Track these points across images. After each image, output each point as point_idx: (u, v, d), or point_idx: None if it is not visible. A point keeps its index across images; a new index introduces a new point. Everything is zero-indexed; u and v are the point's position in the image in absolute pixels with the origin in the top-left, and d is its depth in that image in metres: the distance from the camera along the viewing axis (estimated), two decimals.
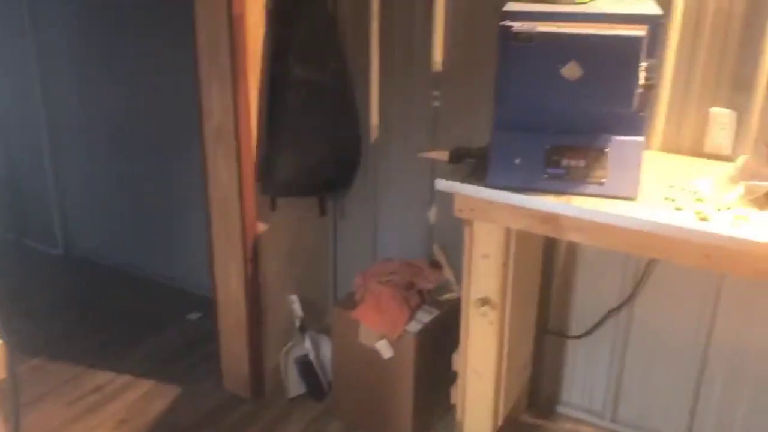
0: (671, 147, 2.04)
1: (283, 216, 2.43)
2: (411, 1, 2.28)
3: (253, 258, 2.34)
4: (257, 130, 2.24)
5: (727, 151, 1.95)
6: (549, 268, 2.31)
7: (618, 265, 2.19)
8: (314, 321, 2.64)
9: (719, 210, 1.62)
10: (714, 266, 1.62)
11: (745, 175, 1.73)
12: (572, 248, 2.27)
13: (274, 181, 2.29)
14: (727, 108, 1.93)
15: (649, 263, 2.13)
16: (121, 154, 3.30)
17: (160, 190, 3.22)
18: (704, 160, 1.97)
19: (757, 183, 1.68)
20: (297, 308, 2.53)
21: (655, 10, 1.67)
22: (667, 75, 1.97)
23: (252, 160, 2.24)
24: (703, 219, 1.57)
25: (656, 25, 1.61)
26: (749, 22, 1.84)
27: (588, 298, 2.30)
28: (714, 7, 1.87)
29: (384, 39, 2.37)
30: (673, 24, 1.92)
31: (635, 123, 1.69)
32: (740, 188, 1.68)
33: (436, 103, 2.35)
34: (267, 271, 2.44)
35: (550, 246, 2.27)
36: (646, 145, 2.02)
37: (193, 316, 3.05)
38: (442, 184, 1.84)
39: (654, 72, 1.61)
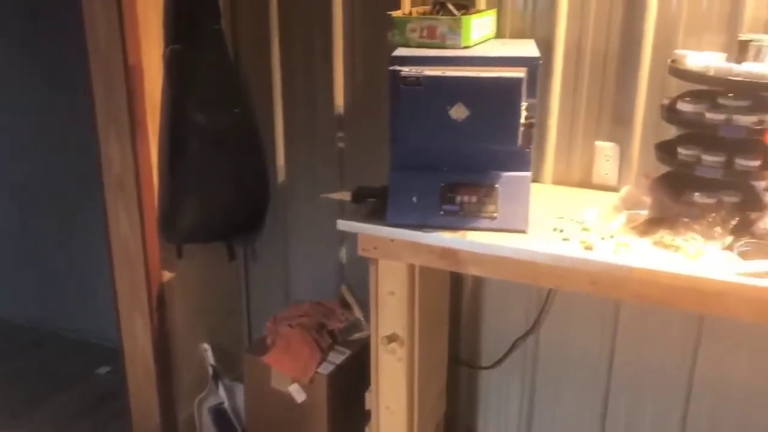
0: (562, 179, 2.13)
1: (191, 263, 2.40)
2: (311, 45, 2.33)
3: (159, 308, 2.29)
4: (158, 178, 2.22)
5: (613, 181, 2.06)
6: (457, 300, 2.36)
7: (522, 294, 2.27)
8: (229, 369, 2.59)
9: (603, 238, 1.70)
10: (600, 292, 1.69)
11: (627, 204, 1.84)
12: (478, 280, 2.33)
13: (178, 228, 2.27)
14: (611, 141, 2.05)
15: (550, 291, 2.21)
16: (22, 208, 3.18)
17: (65, 242, 3.12)
18: (593, 191, 2.07)
19: (637, 212, 1.78)
20: (209, 357, 2.48)
21: (534, 52, 1.77)
22: (554, 112, 2.08)
23: (154, 208, 2.21)
24: (588, 248, 1.65)
25: (534, 66, 1.70)
26: (623, 60, 1.96)
27: (496, 328, 2.36)
28: (591, 47, 1.99)
29: (286, 82, 2.41)
30: (556, 64, 2.03)
31: (522, 159, 1.77)
32: (623, 217, 1.77)
33: (341, 144, 2.39)
34: (176, 320, 2.39)
35: (456, 279, 2.32)
36: (539, 179, 2.14)
37: (102, 370, 2.95)
38: (343, 225, 1.87)
39: (535, 111, 1.70)
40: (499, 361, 2.36)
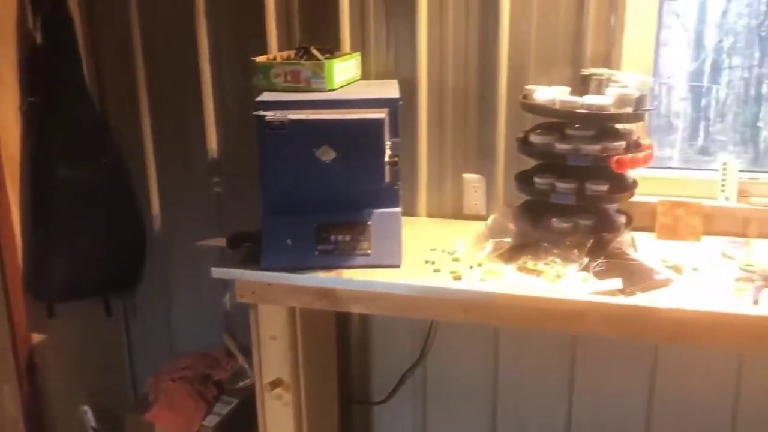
0: (435, 212, 2.20)
1: (65, 322, 2.28)
2: (181, 92, 2.31)
3: (30, 372, 2.15)
4: (22, 236, 2.11)
5: (482, 211, 2.14)
6: (344, 339, 2.37)
7: (407, 327, 2.30)
8: (112, 430, 2.46)
9: (472, 267, 1.77)
10: (473, 319, 1.75)
11: (493, 232, 1.92)
12: (364, 317, 2.35)
13: (47, 286, 2.16)
14: (477, 173, 2.14)
15: (432, 322, 2.26)
16: None
17: None
18: (465, 222, 2.14)
19: (503, 239, 1.87)
20: (90, 419, 2.35)
21: (395, 93, 1.83)
22: (423, 148, 2.15)
23: (17, 267, 2.09)
24: (457, 277, 1.71)
25: (395, 107, 1.77)
26: (482, 96, 2.07)
27: (385, 362, 2.38)
28: (452, 84, 2.09)
29: (157, 129, 2.36)
30: (420, 102, 2.11)
31: (391, 196, 1.82)
32: (489, 245, 1.85)
33: (218, 189, 2.37)
34: (50, 383, 2.25)
35: (342, 317, 2.33)
36: (414, 213, 2.20)
37: None
38: (218, 272, 1.84)
39: (399, 149, 1.76)
40: (389, 396, 2.38)
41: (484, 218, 2.12)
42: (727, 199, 1.98)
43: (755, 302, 1.55)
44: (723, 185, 1.98)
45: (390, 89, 1.90)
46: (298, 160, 1.72)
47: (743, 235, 1.97)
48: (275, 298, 1.84)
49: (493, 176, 2.12)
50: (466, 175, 2.15)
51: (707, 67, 3.70)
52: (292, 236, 1.79)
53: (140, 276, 2.47)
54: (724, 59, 3.62)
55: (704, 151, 3.70)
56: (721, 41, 3.58)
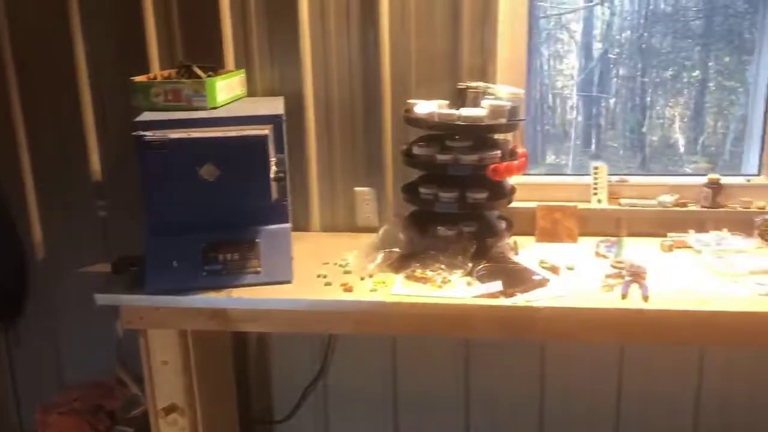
0: (329, 226, 2.22)
1: None
2: (59, 114, 2.22)
3: None
4: None
5: (375, 223, 2.18)
6: (242, 358, 2.34)
7: (306, 342, 2.30)
8: None
9: (363, 278, 1.80)
10: (366, 330, 1.78)
11: (384, 243, 1.96)
12: (262, 335, 2.34)
13: None
14: (368, 186, 2.18)
15: (330, 336, 2.27)
16: None
17: None
18: (358, 234, 2.16)
19: (393, 249, 1.91)
20: None
21: (279, 110, 1.84)
22: (313, 163, 2.17)
23: None
24: (348, 290, 1.74)
25: (279, 123, 1.78)
26: (368, 111, 2.11)
27: (286, 380, 2.37)
28: (338, 100, 2.12)
29: (35, 152, 2.26)
30: (308, 117, 2.13)
31: (280, 212, 1.82)
32: (380, 256, 1.89)
33: (103, 213, 2.29)
34: None
35: (239, 337, 2.31)
36: (307, 228, 2.21)
37: None
38: (102, 298, 1.79)
39: (284, 165, 1.77)
40: (291, 413, 2.37)
41: (376, 230, 2.15)
42: (599, 201, 2.11)
43: (624, 296, 1.65)
44: (595, 189, 2.11)
45: (275, 106, 1.91)
46: (180, 180, 1.69)
47: (616, 234, 2.10)
48: (164, 322, 1.80)
49: (383, 188, 2.16)
50: (357, 189, 2.19)
51: (596, 78, 3.93)
52: (178, 257, 1.76)
53: (22, 306, 2.34)
54: (611, 70, 3.86)
55: (597, 157, 3.92)
56: (606, 53, 3.82)
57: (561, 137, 3.96)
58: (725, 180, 2.07)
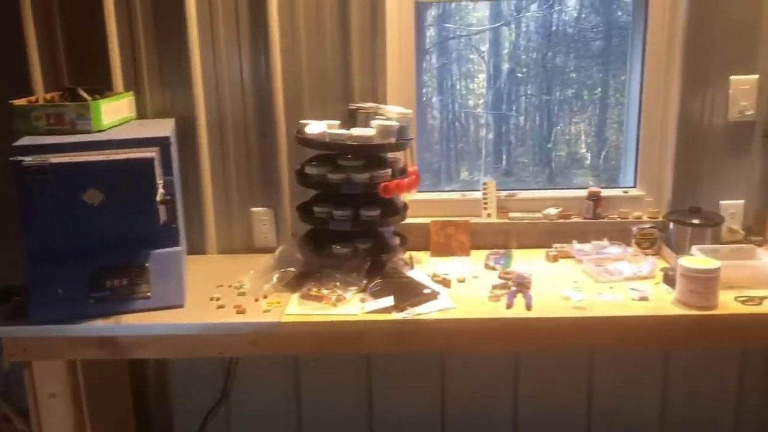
0: (227, 248, 2.21)
1: None
2: None
3: None
4: None
5: (273, 243, 2.18)
6: (140, 386, 2.28)
7: (206, 366, 2.27)
8: None
9: (257, 300, 1.80)
10: (262, 351, 1.76)
11: (281, 263, 1.96)
12: (159, 361, 2.28)
13: None
14: (265, 207, 2.18)
15: (231, 359, 2.24)
16: None
17: None
18: (256, 255, 2.16)
19: (289, 269, 1.92)
20: None
21: (167, 132, 1.83)
22: (208, 184, 2.15)
23: None
24: (241, 311, 1.73)
25: (167, 145, 1.76)
26: (263, 131, 2.12)
27: (187, 405, 2.32)
28: (232, 121, 2.12)
29: None
30: (201, 139, 2.11)
31: (171, 235, 1.80)
32: (275, 276, 1.89)
33: None
34: None
35: (135, 363, 2.24)
36: (204, 250, 2.19)
37: None
38: None
39: (172, 187, 1.75)
40: None
41: (274, 250, 2.16)
42: (489, 215, 2.19)
43: (508, 306, 1.73)
44: (485, 204, 2.19)
45: (163, 128, 1.89)
46: (63, 206, 1.65)
47: (506, 246, 2.19)
48: (50, 352, 1.74)
49: (280, 208, 2.17)
50: (253, 209, 2.18)
51: (505, 96, 4.09)
52: (63, 285, 1.70)
53: None
54: (520, 88, 4.02)
55: (508, 172, 4.06)
56: (514, 72, 3.98)
57: (474, 154, 4.07)
58: (605, 192, 2.20)
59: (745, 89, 2.06)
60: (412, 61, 2.12)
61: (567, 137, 4.33)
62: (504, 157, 4.11)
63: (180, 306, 1.77)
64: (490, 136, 4.15)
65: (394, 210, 1.95)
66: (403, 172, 1.94)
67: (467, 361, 2.26)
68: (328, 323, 1.69)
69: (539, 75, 3.99)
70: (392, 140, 1.87)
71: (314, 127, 1.90)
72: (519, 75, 4.07)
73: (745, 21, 2.02)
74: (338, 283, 1.82)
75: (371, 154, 1.90)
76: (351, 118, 1.98)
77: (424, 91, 3.76)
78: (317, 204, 1.92)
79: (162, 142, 1.75)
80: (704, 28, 2.02)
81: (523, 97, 4.14)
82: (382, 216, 1.90)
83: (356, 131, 1.87)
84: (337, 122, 1.97)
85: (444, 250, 2.14)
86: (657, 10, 2.09)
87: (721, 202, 2.13)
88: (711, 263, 1.69)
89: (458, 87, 4.24)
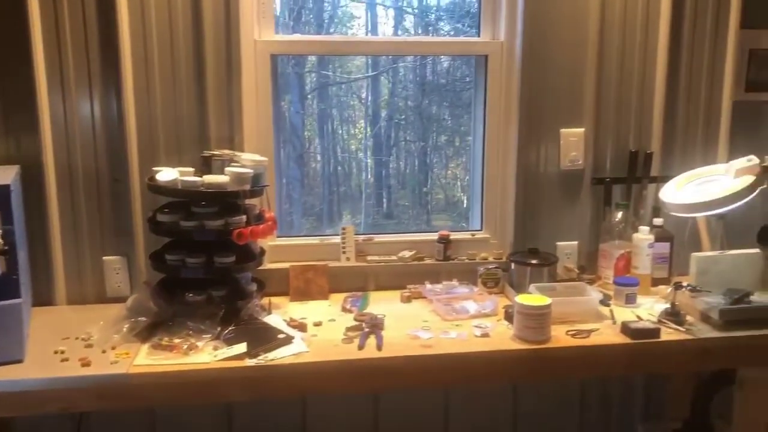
0: (77, 298, 2.12)
1: None
2: None
3: None
4: None
5: (126, 293, 2.12)
6: None
7: (53, 423, 2.15)
8: None
9: (105, 351, 1.74)
10: (111, 405, 1.71)
11: (133, 312, 1.92)
12: (3, 421, 2.13)
13: None
14: (118, 255, 2.13)
15: (81, 414, 2.14)
16: None
17: None
18: (109, 305, 2.08)
19: (140, 318, 1.88)
20: None
21: (6, 180, 1.75)
22: (56, 233, 2.07)
23: None
24: (86, 364, 1.67)
25: (6, 194, 1.69)
26: (116, 178, 2.08)
27: None
28: (82, 167, 2.06)
29: None
30: (49, 186, 2.04)
31: (9, 287, 1.71)
32: (125, 326, 1.85)
33: None
34: None
35: None
36: (52, 302, 2.10)
37: None
38: None
39: (12, 237, 1.68)
40: None
41: (126, 299, 2.11)
42: (348, 259, 2.26)
43: (360, 347, 1.78)
44: (344, 248, 2.26)
45: (4, 176, 1.81)
46: None
47: (364, 288, 2.26)
48: None
49: (134, 256, 2.13)
50: (106, 258, 2.13)
51: (385, 141, 4.20)
52: None
53: None
54: (399, 134, 4.16)
55: (389, 215, 4.16)
56: (392, 119, 4.11)
57: (357, 197, 4.15)
58: (455, 235, 2.33)
59: (573, 141, 2.28)
60: (269, 110, 2.18)
61: (444, 181, 4.51)
62: (384, 200, 4.23)
63: (19, 361, 1.68)
64: (371, 179, 4.26)
65: (250, 256, 1.97)
66: (260, 218, 1.98)
67: (328, 403, 2.30)
68: (179, 373, 1.67)
69: (416, 122, 4.17)
70: (246, 187, 1.90)
71: (166, 174, 1.89)
72: (397, 121, 4.23)
73: (572, 79, 2.25)
74: (191, 332, 1.81)
75: (225, 201, 1.92)
76: (206, 166, 1.99)
77: (306, 135, 3.84)
78: (170, 252, 1.91)
79: (1, 190, 1.68)
80: (536, 85, 2.23)
81: (403, 143, 4.29)
82: (237, 262, 1.92)
83: (209, 178, 1.88)
84: (191, 169, 1.97)
85: (303, 294, 2.18)
86: (495, 68, 2.28)
87: (557, 243, 2.32)
88: (543, 300, 1.84)
89: (340, 132, 4.34)
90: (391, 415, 2.35)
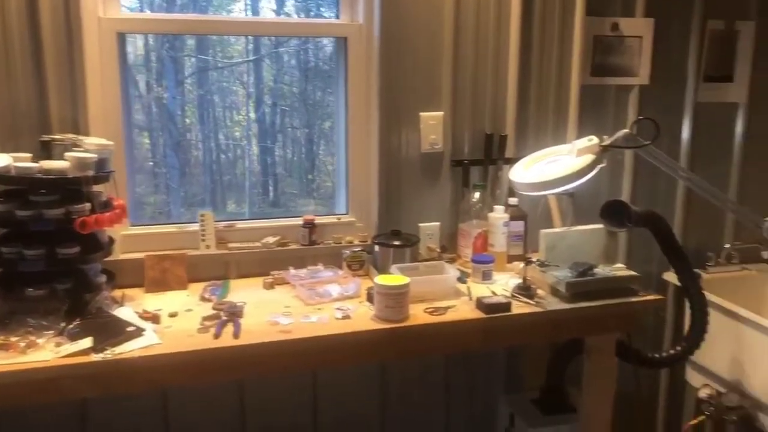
0: None
1: None
2: None
3: None
4: None
5: None
6: None
7: None
8: None
9: None
10: None
11: None
12: None
13: None
14: None
15: None
16: None
17: None
18: None
19: None
20: None
21: None
22: None
23: None
24: None
25: None
26: None
27: None
28: None
29: None
30: None
31: None
32: None
33: None
34: None
35: None
36: None
37: None
38: None
39: None
40: None
41: None
42: (207, 247, 2.19)
43: (216, 336, 1.73)
44: (203, 235, 2.19)
45: None
46: None
47: (226, 277, 2.20)
48: None
49: None
50: None
51: (269, 128, 4.08)
52: None
53: None
54: (284, 121, 4.05)
55: (276, 204, 4.05)
56: (276, 105, 4.00)
57: (242, 186, 4.03)
58: (320, 220, 2.32)
59: (432, 124, 2.32)
60: (117, 91, 2.05)
61: (331, 167, 4.48)
62: (271, 188, 4.13)
63: None
64: (258, 167, 4.15)
65: (97, 246, 1.86)
66: (107, 205, 1.87)
67: (189, 395, 2.23)
68: (15, 372, 1.55)
69: (300, 108, 4.10)
70: (90, 173, 1.79)
71: None
72: (282, 108, 4.14)
73: (430, 64, 2.29)
74: (31, 329, 1.69)
75: (67, 189, 1.79)
76: (46, 151, 1.86)
77: (187, 122, 3.68)
78: (6, 244, 1.76)
79: None
80: (396, 69, 2.26)
81: (289, 129, 4.21)
82: (83, 253, 1.80)
83: (47, 164, 1.76)
84: (29, 155, 1.83)
85: (160, 284, 2.09)
86: (354, 51, 2.28)
87: (420, 224, 2.37)
88: (402, 280, 1.86)
89: (223, 119, 4.20)
90: (258, 403, 2.31)
